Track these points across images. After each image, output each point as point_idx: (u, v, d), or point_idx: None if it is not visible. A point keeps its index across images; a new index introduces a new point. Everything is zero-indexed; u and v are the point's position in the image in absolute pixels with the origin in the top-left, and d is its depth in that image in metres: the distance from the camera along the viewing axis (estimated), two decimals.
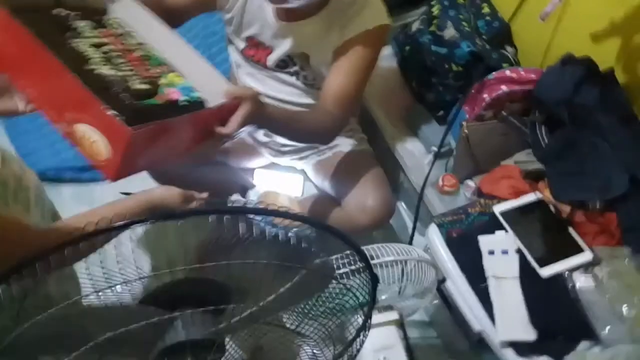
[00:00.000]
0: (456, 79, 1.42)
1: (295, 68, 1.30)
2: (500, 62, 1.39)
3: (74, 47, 0.83)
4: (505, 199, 1.27)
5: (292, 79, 1.33)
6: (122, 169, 0.74)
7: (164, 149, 0.84)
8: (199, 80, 0.93)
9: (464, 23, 1.40)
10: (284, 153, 1.49)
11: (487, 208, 1.27)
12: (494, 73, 1.34)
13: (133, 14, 1.01)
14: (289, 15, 1.21)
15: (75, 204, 1.64)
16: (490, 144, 1.38)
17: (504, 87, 1.32)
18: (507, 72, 1.32)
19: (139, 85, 0.83)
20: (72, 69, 0.76)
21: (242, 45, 1.33)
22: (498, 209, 1.25)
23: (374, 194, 1.37)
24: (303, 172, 1.54)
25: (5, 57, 0.83)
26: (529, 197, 1.25)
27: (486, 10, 1.47)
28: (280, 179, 1.52)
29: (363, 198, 1.37)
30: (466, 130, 1.34)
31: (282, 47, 1.27)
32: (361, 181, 1.40)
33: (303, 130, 1.19)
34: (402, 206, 1.62)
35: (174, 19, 1.25)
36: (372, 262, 0.81)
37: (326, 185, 1.49)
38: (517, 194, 1.27)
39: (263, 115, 0.99)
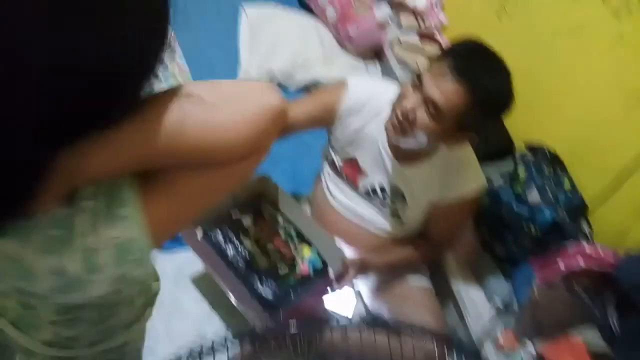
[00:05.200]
0: (532, 241, 1.47)
1: (385, 199, 1.38)
2: (578, 236, 1.45)
3: (245, 246, 1.34)
4: None
5: (378, 205, 1.40)
6: None
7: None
8: (321, 247, 1.39)
9: (548, 192, 1.48)
10: None
11: None
12: (572, 244, 1.39)
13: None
14: (398, 155, 1.31)
15: None
16: (556, 312, 1.38)
17: (581, 262, 1.35)
18: (586, 248, 1.36)
19: (283, 271, 1.32)
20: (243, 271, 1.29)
21: (339, 161, 1.42)
22: None
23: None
24: (359, 293, 1.55)
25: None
26: None
27: (567, 185, 1.55)
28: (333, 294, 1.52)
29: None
30: (536, 294, 1.36)
31: (380, 179, 1.35)
32: (421, 316, 1.39)
33: (404, 267, 1.44)
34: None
35: (285, 131, 1.35)
36: None
37: (382, 311, 1.48)
38: None
39: (370, 271, 1.39)
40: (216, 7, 2.21)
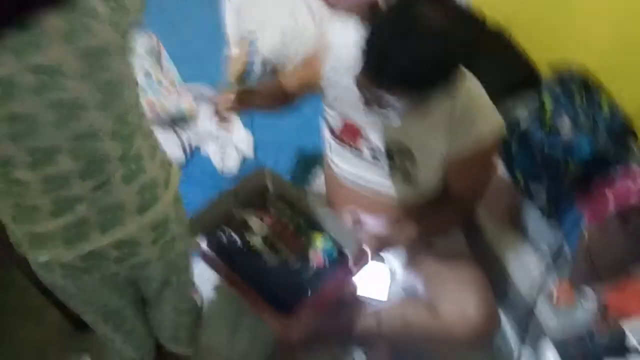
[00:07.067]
0: (573, 178, 1.28)
1: (393, 160, 1.23)
2: (626, 159, 1.25)
3: (252, 246, 1.26)
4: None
5: (387, 168, 1.26)
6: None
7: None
8: (334, 231, 1.29)
9: (582, 119, 1.29)
10: None
11: (617, 326, 1.07)
12: (619, 168, 1.19)
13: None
14: None
15: None
16: (613, 252, 1.20)
17: (631, 186, 1.16)
18: (638, 172, 1.17)
19: (295, 266, 1.23)
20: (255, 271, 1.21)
21: (337, 125, 1.28)
22: (633, 331, 1.05)
23: (475, 300, 1.23)
24: (392, 271, 1.42)
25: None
26: None
27: (606, 107, 1.34)
28: (366, 275, 1.40)
29: (463, 305, 1.23)
30: (587, 238, 1.18)
31: (381, 137, 1.21)
32: (460, 286, 1.26)
33: (433, 233, 1.32)
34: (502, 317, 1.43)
35: (287, 100, 1.35)
36: None
37: (418, 287, 1.35)
38: None
39: (393, 246, 1.27)
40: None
